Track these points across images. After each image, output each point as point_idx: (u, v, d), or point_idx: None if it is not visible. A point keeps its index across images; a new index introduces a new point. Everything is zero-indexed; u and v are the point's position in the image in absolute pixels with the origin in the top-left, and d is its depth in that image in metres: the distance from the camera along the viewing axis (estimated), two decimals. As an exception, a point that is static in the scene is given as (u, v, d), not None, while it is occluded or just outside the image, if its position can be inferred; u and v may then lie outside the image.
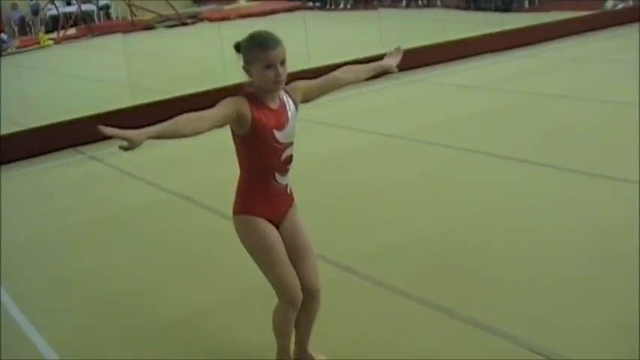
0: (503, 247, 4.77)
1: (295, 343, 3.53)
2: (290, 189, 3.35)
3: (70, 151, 8.57)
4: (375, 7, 19.52)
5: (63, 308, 4.52)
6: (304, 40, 11.43)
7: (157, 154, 7.82)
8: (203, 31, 21.57)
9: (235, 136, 3.19)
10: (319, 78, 3.43)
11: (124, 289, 4.72)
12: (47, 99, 11.96)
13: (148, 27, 23.32)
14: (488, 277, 4.35)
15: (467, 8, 19.63)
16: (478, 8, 19.08)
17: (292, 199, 3.39)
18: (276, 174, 3.22)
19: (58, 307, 4.54)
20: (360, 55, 10.91)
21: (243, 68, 3.15)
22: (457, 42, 12.38)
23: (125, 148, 2.74)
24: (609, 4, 16.75)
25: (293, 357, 3.52)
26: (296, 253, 3.32)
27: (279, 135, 3.16)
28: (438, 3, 21.56)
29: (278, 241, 3.26)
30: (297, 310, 3.33)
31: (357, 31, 17.01)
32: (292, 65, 3.24)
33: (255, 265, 3.28)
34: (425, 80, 10.84)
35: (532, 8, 18.67)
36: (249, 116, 3.09)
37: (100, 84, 13.41)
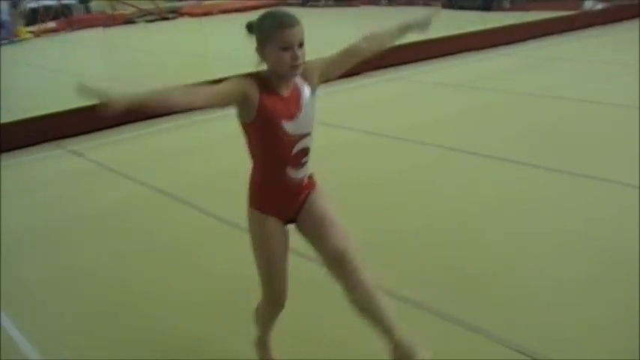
0: (487, 244, 4.79)
1: (380, 333, 2.91)
2: (307, 179, 3.08)
3: (49, 144, 8.50)
4: (356, 5, 19.49)
5: (42, 304, 4.49)
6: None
7: (139, 148, 7.79)
8: (184, 26, 21.53)
9: (242, 123, 2.91)
10: (338, 51, 3.11)
11: (104, 286, 4.69)
12: (26, 92, 11.86)
13: (129, 21, 23.18)
14: (479, 276, 4.36)
15: (448, 6, 19.69)
16: (459, 6, 19.14)
17: (312, 187, 3.11)
18: (288, 168, 2.95)
19: (37, 304, 4.50)
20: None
21: (256, 50, 2.86)
22: (438, 40, 12.41)
23: (104, 105, 2.52)
24: (588, 5, 16.86)
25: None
26: (317, 224, 3.01)
27: (288, 126, 2.88)
28: (419, 1, 21.58)
29: (281, 246, 3.06)
30: (277, 314, 3.26)
31: (335, 27, 16.99)
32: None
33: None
34: (406, 78, 10.87)
35: (513, 7, 18.77)
36: (256, 101, 2.80)
37: (79, 78, 13.27)
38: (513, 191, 5.73)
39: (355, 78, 10.37)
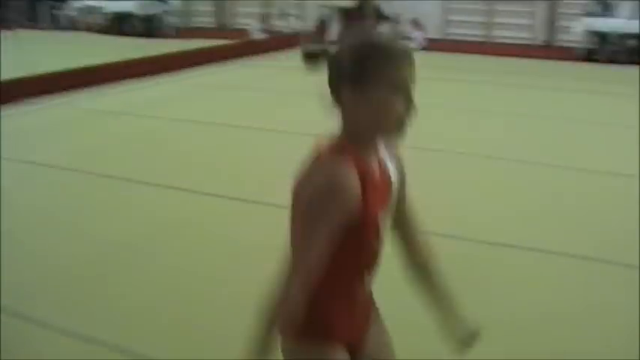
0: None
1: None
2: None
3: None
4: (9, 28, 17.42)
5: None
6: None
7: None
8: None
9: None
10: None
11: None
12: None
13: None
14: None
15: (111, 32, 19.18)
16: (122, 33, 18.85)
17: (374, 303, 2.20)
18: (367, 275, 2.04)
19: None
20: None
21: (334, 96, 1.87)
22: (102, 67, 12.15)
23: None
24: (255, 34, 17.70)
25: None
26: None
27: (383, 218, 1.96)
28: (82, 26, 20.84)
29: None
30: None
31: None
32: None
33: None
34: (69, 104, 10.44)
35: (177, 35, 18.91)
36: (360, 196, 1.82)
37: None
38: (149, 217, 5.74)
39: (16, 105, 9.88)
